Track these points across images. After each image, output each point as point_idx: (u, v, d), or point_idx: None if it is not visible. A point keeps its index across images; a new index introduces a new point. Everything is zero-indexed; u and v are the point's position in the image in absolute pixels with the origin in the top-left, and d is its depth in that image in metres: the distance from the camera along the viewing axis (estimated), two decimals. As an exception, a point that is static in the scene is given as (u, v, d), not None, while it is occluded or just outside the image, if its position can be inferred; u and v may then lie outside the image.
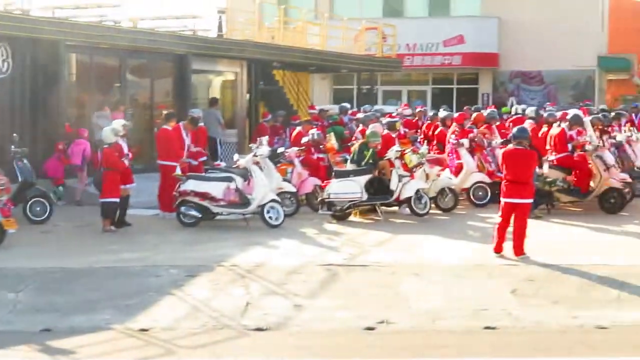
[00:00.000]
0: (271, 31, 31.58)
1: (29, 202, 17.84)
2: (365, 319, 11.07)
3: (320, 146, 20.67)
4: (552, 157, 19.28)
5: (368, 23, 36.64)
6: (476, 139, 20.32)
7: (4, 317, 11.45)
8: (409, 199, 18.21)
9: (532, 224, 14.49)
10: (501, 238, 14.32)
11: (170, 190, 18.04)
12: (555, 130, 19.81)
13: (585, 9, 41.65)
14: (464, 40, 41.95)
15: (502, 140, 20.79)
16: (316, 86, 42.87)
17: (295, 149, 20.22)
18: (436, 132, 23.12)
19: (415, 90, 44.73)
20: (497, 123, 23.11)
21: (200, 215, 17.55)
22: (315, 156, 20.37)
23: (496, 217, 14.74)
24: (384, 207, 18.68)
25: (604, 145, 19.42)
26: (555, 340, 10.32)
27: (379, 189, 18.42)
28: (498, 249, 14.32)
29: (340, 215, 18.20)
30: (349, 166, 18.87)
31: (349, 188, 18.02)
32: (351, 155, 19.12)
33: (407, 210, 18.47)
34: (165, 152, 18.70)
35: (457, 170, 20.12)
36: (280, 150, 20.78)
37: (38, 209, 17.87)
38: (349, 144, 21.94)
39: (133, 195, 18.18)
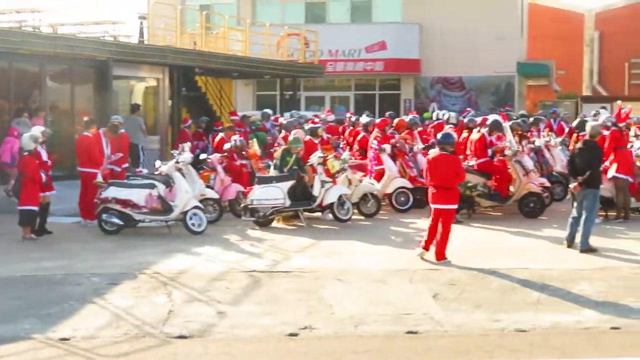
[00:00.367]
0: (193, 37, 31.40)
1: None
2: (289, 325, 11.08)
3: (243, 152, 20.63)
4: (472, 162, 19.52)
5: (290, 29, 36.67)
6: (398, 145, 20.49)
7: None
8: (332, 204, 18.33)
9: (453, 229, 14.65)
10: (431, 236, 14.51)
11: (92, 197, 17.90)
12: (475, 135, 20.05)
13: (505, 15, 42.33)
14: (386, 47, 42.23)
15: (423, 146, 21.03)
16: (240, 92, 42.87)
17: (218, 155, 20.19)
18: (358, 138, 23.22)
19: (338, 96, 44.89)
20: (419, 129, 23.38)
21: (122, 223, 17.41)
22: (238, 162, 20.32)
23: (418, 222, 14.87)
24: (306, 213, 18.75)
25: (523, 150, 19.72)
26: (476, 344, 10.44)
27: (301, 195, 18.47)
28: (426, 246, 14.53)
29: (264, 221, 18.21)
30: (272, 172, 18.89)
31: (271, 194, 18.05)
32: (274, 161, 19.14)
33: (330, 216, 18.56)
34: (86, 159, 18.54)
35: (379, 176, 20.26)
36: (202, 156, 20.72)
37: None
38: (272, 150, 21.97)
39: (54, 202, 17.97)
